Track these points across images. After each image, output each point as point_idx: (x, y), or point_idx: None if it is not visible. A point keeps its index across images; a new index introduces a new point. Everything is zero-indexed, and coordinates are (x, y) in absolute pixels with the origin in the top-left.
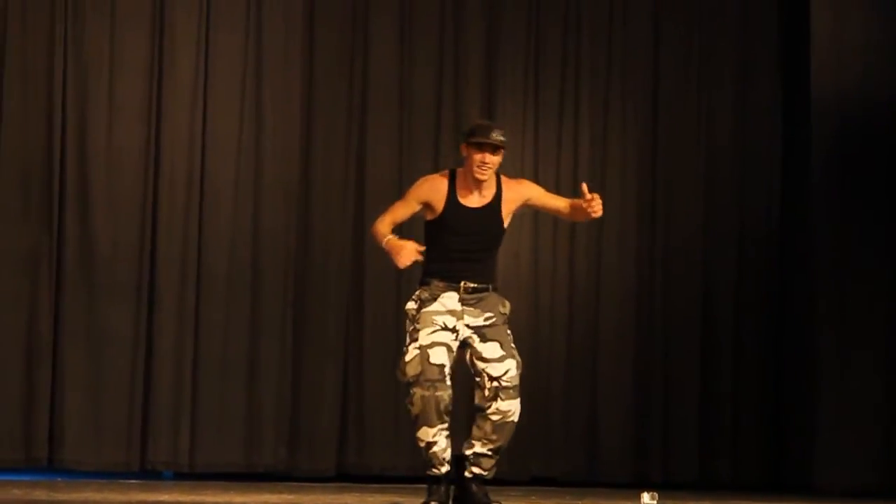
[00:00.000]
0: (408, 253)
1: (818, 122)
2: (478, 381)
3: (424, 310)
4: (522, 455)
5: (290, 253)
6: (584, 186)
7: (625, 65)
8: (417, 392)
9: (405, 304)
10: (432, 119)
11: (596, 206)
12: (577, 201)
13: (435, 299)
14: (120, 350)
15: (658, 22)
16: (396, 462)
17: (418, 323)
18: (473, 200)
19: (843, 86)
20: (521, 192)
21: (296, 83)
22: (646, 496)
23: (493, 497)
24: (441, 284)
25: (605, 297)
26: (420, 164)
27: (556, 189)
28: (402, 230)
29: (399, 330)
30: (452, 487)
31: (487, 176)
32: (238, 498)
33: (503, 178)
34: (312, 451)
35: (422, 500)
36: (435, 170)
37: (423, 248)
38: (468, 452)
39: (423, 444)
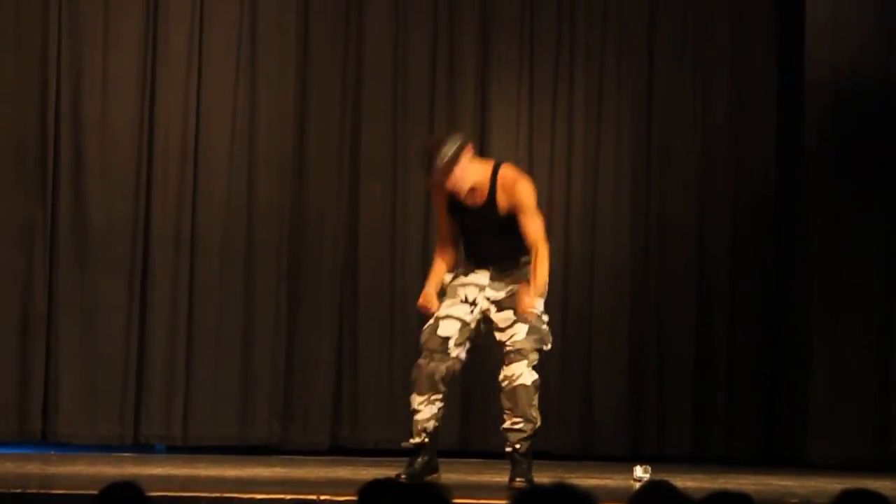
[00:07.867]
0: (424, 306)
1: (812, 100)
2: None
3: (453, 282)
4: None
5: (285, 226)
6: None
7: (620, 43)
8: (419, 360)
9: (399, 277)
10: (427, 92)
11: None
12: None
13: (467, 274)
14: (114, 323)
15: (653, 1)
16: (391, 435)
17: (446, 296)
18: (470, 199)
19: (837, 64)
20: (509, 199)
21: (291, 56)
22: (638, 469)
23: (527, 476)
24: (473, 266)
25: (600, 270)
26: (415, 138)
27: (549, 167)
28: None
29: (394, 303)
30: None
31: (465, 191)
32: (231, 471)
33: (500, 176)
34: (306, 425)
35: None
36: None
37: (437, 312)
38: (502, 428)
39: (411, 412)
